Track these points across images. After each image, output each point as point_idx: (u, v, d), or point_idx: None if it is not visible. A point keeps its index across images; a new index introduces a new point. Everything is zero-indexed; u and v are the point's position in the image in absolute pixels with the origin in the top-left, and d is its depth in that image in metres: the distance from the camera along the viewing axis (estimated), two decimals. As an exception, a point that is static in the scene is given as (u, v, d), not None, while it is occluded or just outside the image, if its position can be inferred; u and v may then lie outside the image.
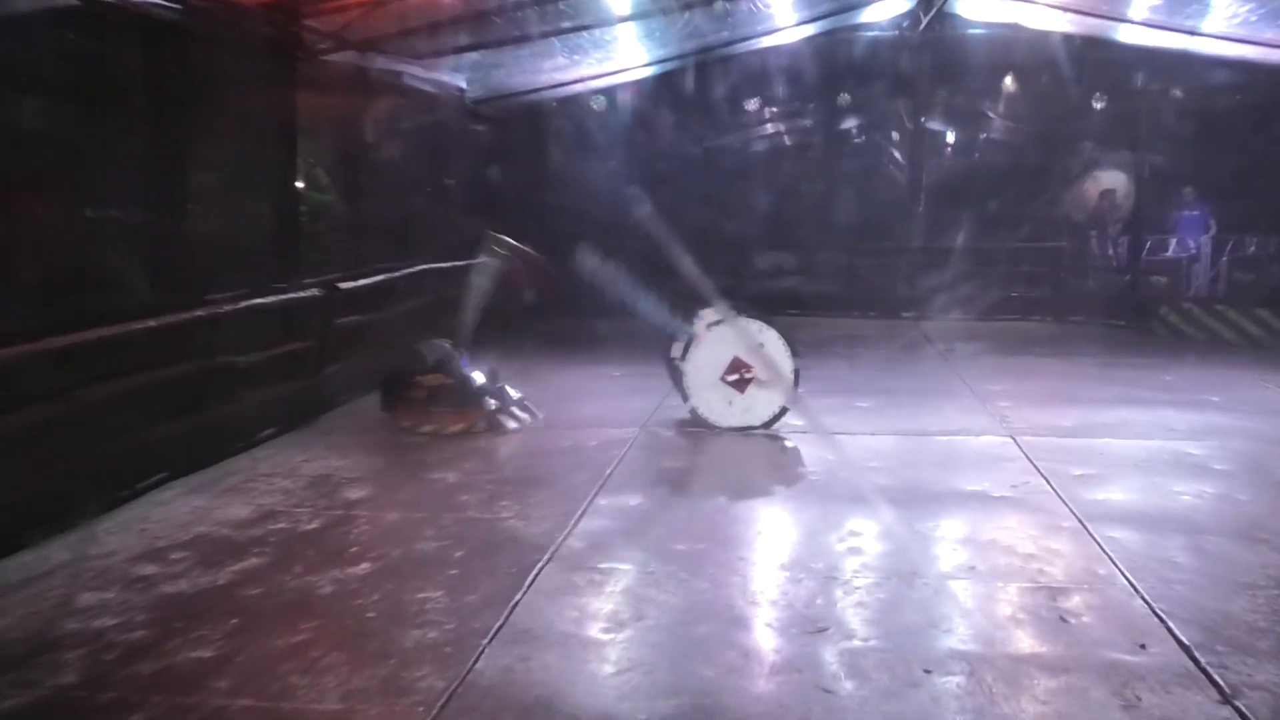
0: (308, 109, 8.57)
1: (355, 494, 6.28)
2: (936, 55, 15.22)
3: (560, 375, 9.93)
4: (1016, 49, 14.72)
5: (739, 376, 7.64)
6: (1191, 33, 11.15)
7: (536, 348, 11.63)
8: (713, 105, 15.71)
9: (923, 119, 15.72)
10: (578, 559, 5.12)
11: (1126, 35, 12.73)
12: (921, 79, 15.46)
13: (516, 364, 9.13)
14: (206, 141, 7.20)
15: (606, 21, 10.73)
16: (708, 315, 8.02)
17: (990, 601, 4.58)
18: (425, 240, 11.00)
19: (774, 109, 16.37)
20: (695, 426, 7.80)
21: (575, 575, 4.89)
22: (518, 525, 5.67)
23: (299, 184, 8.75)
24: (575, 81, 13.32)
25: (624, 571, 4.99)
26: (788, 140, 16.61)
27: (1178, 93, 14.74)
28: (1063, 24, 13.29)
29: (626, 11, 10.56)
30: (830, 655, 4.01)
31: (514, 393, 8.23)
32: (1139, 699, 3.63)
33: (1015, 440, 7.44)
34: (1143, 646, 4.04)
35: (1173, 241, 14.73)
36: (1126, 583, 4.71)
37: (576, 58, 11.80)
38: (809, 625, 4.31)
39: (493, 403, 7.94)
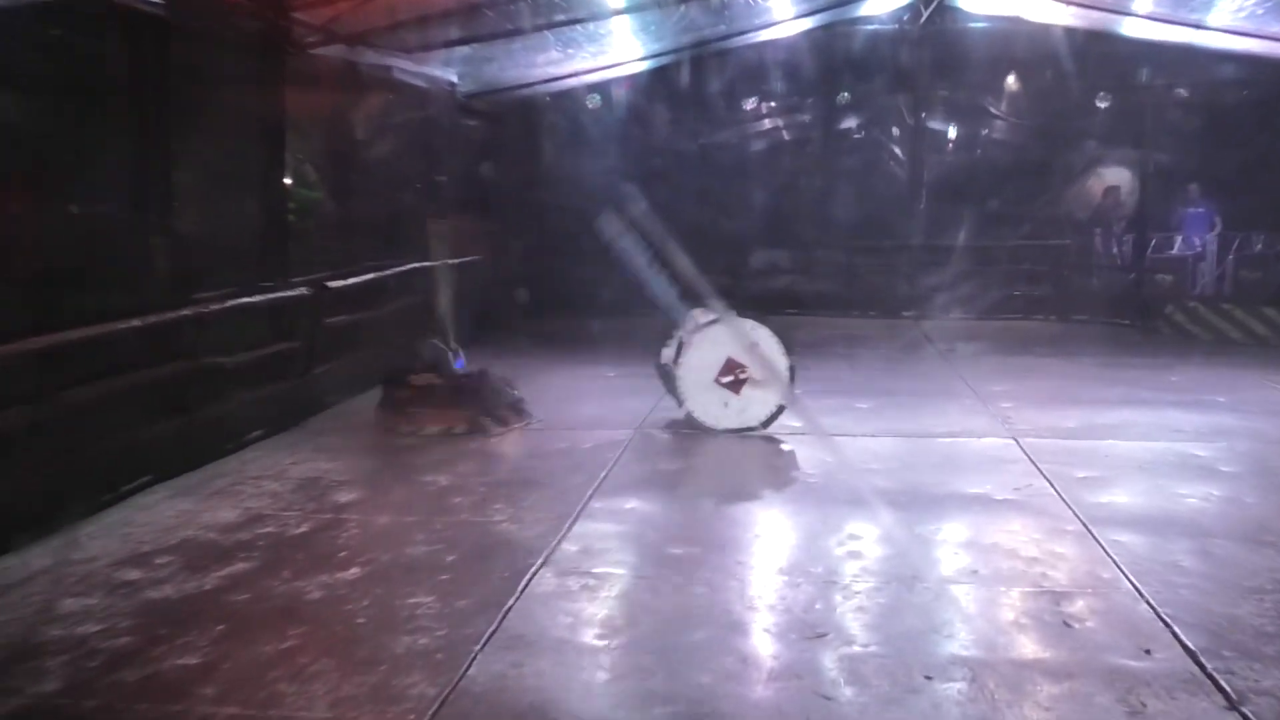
0: (296, 104, 8.56)
1: (345, 497, 6.28)
2: (937, 49, 15.22)
3: (554, 375, 9.92)
4: (1018, 43, 14.73)
5: (733, 378, 7.65)
6: (1197, 26, 11.16)
7: (531, 347, 11.64)
8: (709, 101, 15.71)
9: (923, 115, 15.72)
10: (572, 563, 5.12)
11: (1130, 29, 12.76)
12: (922, 74, 15.46)
13: (510, 363, 9.12)
14: (192, 137, 7.19)
15: (601, 14, 10.73)
16: (696, 317, 8.03)
17: (992, 606, 4.58)
18: (416, 238, 10.99)
19: (772, 105, 16.36)
20: (691, 428, 7.80)
21: (569, 580, 4.89)
22: (511, 529, 5.67)
23: (287, 181, 8.74)
24: (569, 76, 13.31)
25: (619, 576, 4.99)
26: (786, 136, 16.60)
27: (1183, 88, 14.77)
28: (1066, 17, 13.32)
29: (621, 4, 10.55)
30: (829, 661, 4.01)
31: (515, 392, 8.23)
32: (1144, 705, 3.63)
33: (1018, 442, 7.45)
34: (1148, 652, 4.05)
35: (1178, 239, 14.74)
36: (1131, 587, 4.72)
37: (570, 51, 11.79)
38: (808, 630, 4.31)
39: (478, 405, 7.93)
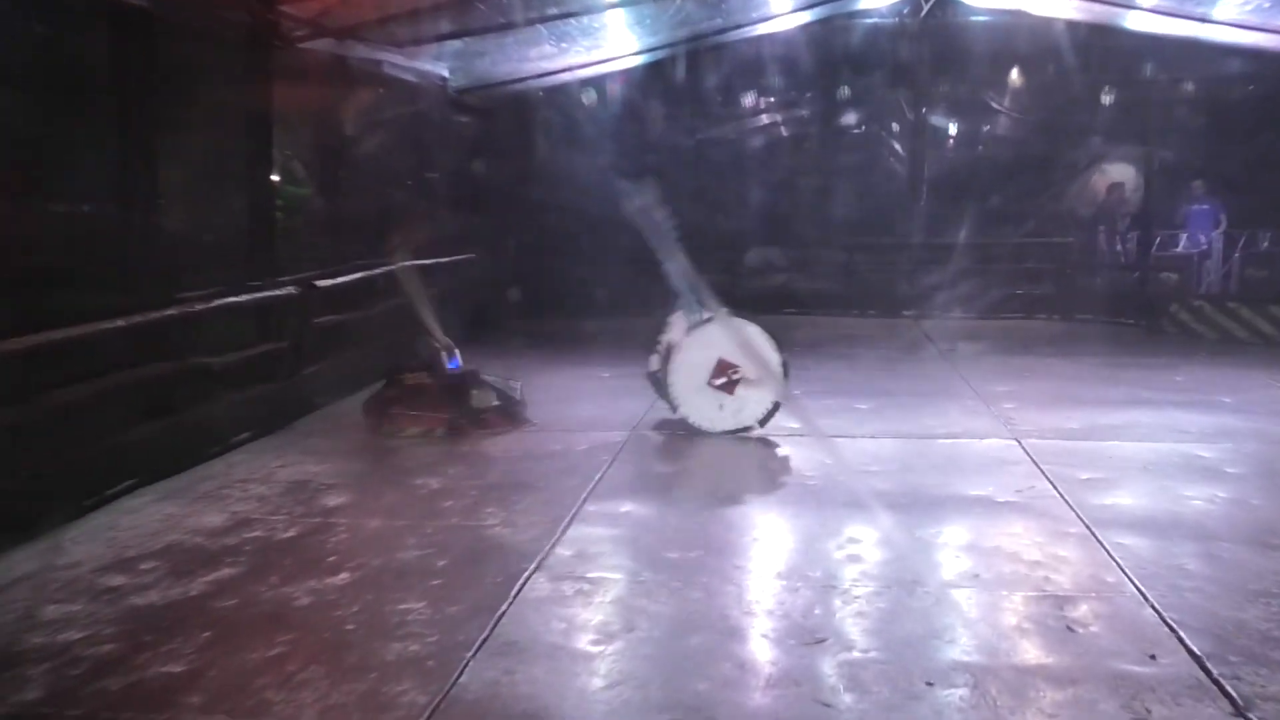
0: (284, 99, 8.54)
1: (334, 500, 6.27)
2: (938, 43, 15.24)
3: (548, 376, 9.92)
4: (1021, 37, 14.75)
5: (726, 379, 7.65)
6: (1203, 20, 11.20)
7: (524, 347, 11.65)
8: (705, 96, 15.74)
9: (924, 110, 15.73)
10: (566, 568, 5.11)
11: (1135, 22, 12.79)
12: (922, 68, 15.47)
13: (503, 364, 9.12)
14: (177, 133, 7.17)
15: (595, 8, 10.74)
16: (679, 321, 8.03)
17: (994, 611, 4.59)
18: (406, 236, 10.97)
19: (769, 100, 16.37)
20: (687, 429, 7.80)
21: (563, 585, 4.89)
22: (504, 533, 5.66)
23: (274, 177, 8.72)
24: (562, 71, 13.31)
25: (614, 581, 4.99)
26: (784, 132, 16.60)
27: (1188, 83, 14.80)
28: (1069, 10, 13.34)
29: (615, -3, 10.57)
30: (829, 667, 4.01)
31: (515, 394, 8.22)
32: (1149, 711, 3.64)
33: (1020, 443, 7.46)
34: (1153, 657, 4.05)
35: (1183, 237, 14.78)
36: (1136, 591, 4.73)
37: (564, 46, 11.80)
38: (806, 636, 4.31)
39: (459, 408, 7.92)
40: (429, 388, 8.05)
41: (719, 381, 7.65)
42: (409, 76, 11.20)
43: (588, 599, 4.73)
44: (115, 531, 5.62)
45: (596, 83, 14.83)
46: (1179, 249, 14.76)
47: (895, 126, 16.19)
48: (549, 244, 14.57)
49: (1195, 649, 4.09)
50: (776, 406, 7.67)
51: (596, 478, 6.67)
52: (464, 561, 5.19)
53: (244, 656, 4.11)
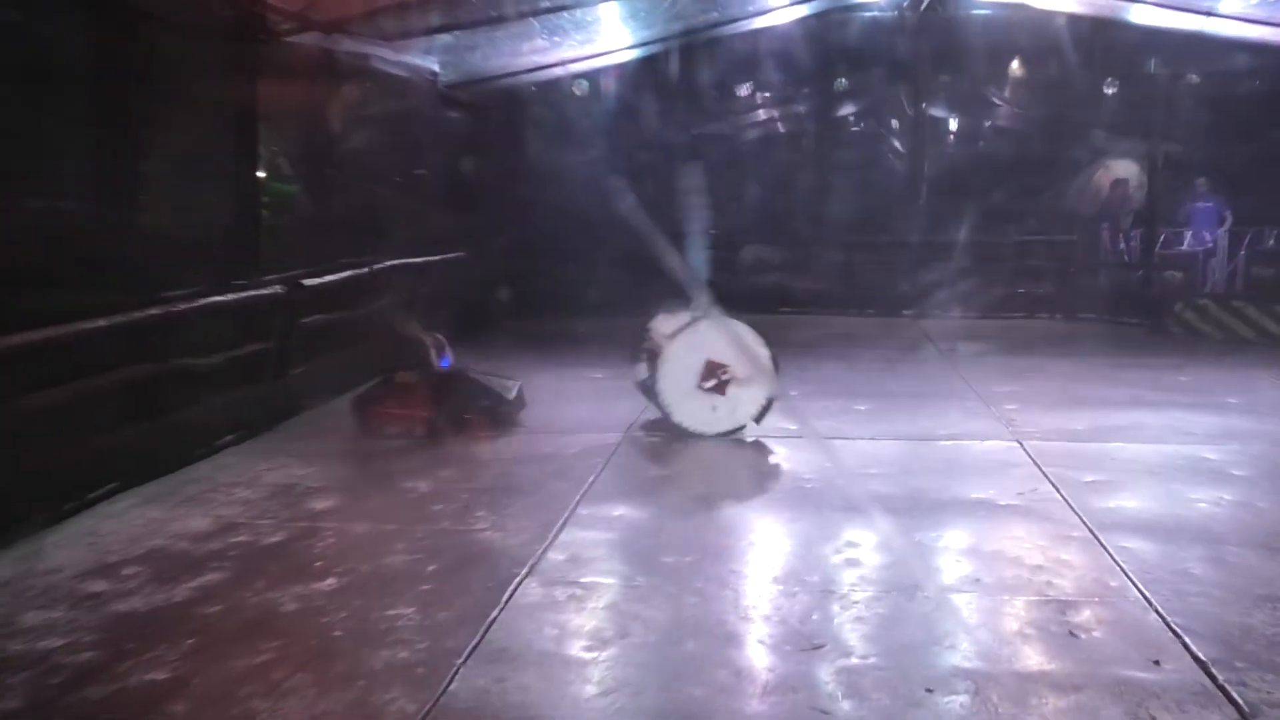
0: (269, 94, 8.53)
1: (321, 504, 6.26)
2: (938, 37, 15.27)
3: (539, 377, 9.89)
4: (1023, 31, 14.79)
5: (716, 380, 7.65)
6: (1208, 13, 11.23)
7: (515, 348, 11.63)
8: (701, 91, 15.74)
9: (924, 106, 15.77)
10: (558, 573, 5.11)
11: (1139, 16, 12.82)
12: (922, 63, 15.51)
13: (493, 365, 9.09)
14: (160, 128, 7.16)
15: (588, 1, 10.73)
16: (660, 325, 8.04)
17: (996, 616, 4.59)
18: (396, 234, 10.97)
19: (766, 95, 16.39)
20: (682, 432, 7.80)
21: (556, 590, 4.88)
22: (494, 537, 5.66)
23: (260, 174, 8.71)
24: (555, 65, 13.32)
25: (607, 586, 4.98)
26: (781, 128, 16.63)
27: (1193, 78, 14.83)
28: (1071, 3, 13.40)
29: (609, -10, 10.58)
30: (827, 674, 4.01)
31: (509, 395, 8.21)
32: (1153, 718, 3.64)
33: (1022, 445, 7.46)
34: (1157, 663, 4.06)
35: (1188, 234, 14.82)
36: (1140, 595, 4.73)
37: (556, 39, 11.81)
38: (804, 642, 4.31)
39: (438, 408, 7.92)
40: (415, 386, 8.05)
41: (709, 384, 7.65)
42: (398, 71, 11.19)
43: (580, 604, 4.72)
44: (97, 536, 5.60)
45: (590, 77, 14.84)
46: (1183, 247, 14.79)
47: (894, 123, 16.24)
48: (540, 242, 14.56)
49: (1200, 655, 4.09)
50: (770, 402, 7.68)
51: (589, 480, 6.66)
52: (454, 567, 5.18)
53: (229, 664, 4.10)
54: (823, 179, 15.83)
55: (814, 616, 4.57)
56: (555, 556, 5.32)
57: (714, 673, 4.03)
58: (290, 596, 4.79)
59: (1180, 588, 4.81)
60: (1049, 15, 14.02)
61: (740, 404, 7.68)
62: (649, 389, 7.93)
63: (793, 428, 7.77)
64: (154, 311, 6.82)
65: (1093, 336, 13.27)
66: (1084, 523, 5.74)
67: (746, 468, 7.25)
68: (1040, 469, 6.84)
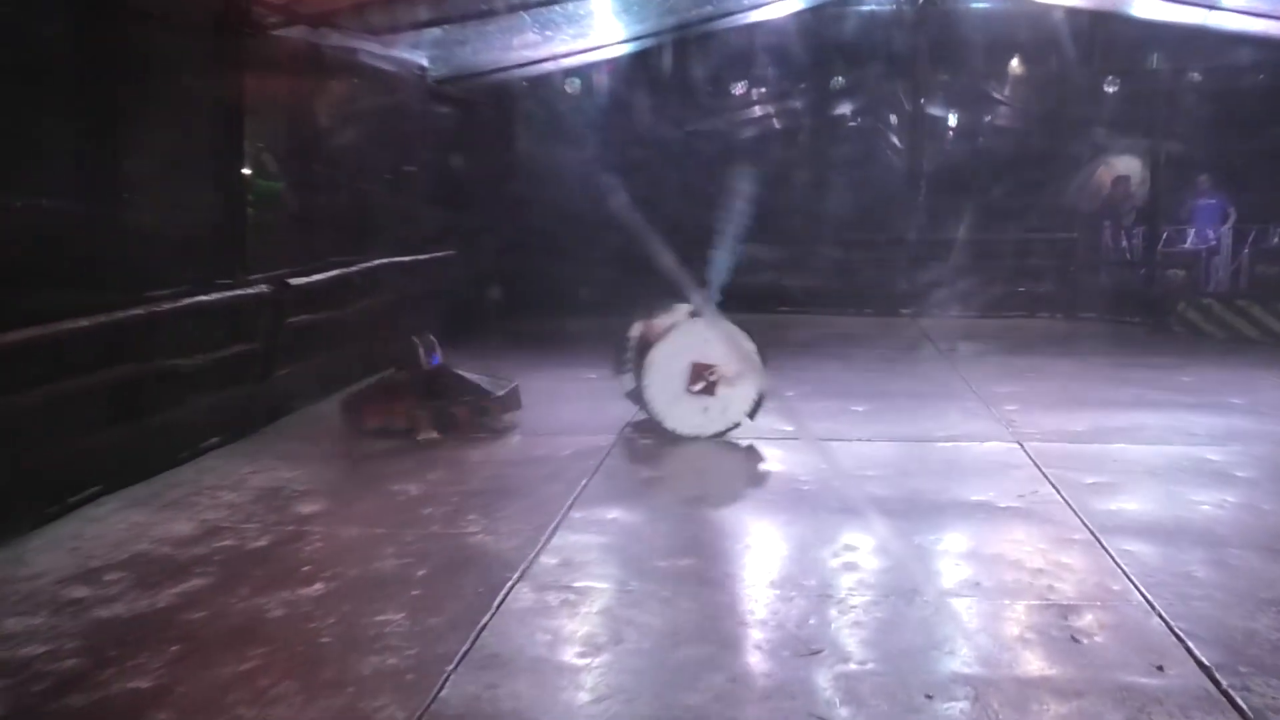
0: (255, 89, 8.51)
1: (308, 508, 6.25)
2: (937, 32, 15.28)
3: (531, 377, 9.87)
4: (1023, 26, 14.81)
5: (704, 382, 7.65)
6: (1210, 6, 11.25)
7: (506, 348, 11.63)
8: (695, 86, 15.72)
9: (922, 101, 15.77)
10: (551, 577, 5.11)
11: (1140, 9, 12.87)
12: (921, 58, 15.51)
13: (483, 365, 9.10)
14: (144, 124, 7.14)
15: (580, -7, 10.74)
16: (639, 329, 8.06)
17: (996, 620, 4.59)
18: (384, 232, 10.96)
19: (761, 91, 16.39)
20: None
21: (548, 595, 4.88)
22: (486, 541, 5.65)
23: (246, 171, 8.69)
24: (547, 60, 13.31)
25: (601, 590, 4.98)
26: (776, 124, 16.63)
27: (1195, 73, 14.85)
28: (1072, -3, 13.41)
29: (602, -17, 10.58)
30: (824, 679, 4.01)
31: (499, 391, 8.22)
32: (1156, 724, 3.65)
33: (1022, 446, 7.48)
34: (1160, 668, 4.06)
35: (1190, 232, 14.84)
36: (1142, 599, 4.74)
37: (548, 34, 11.79)
38: (801, 647, 4.31)
39: (420, 401, 7.94)
40: (400, 384, 8.09)
41: (697, 387, 7.65)
42: (386, 66, 11.18)
43: (573, 609, 4.72)
44: (79, 541, 5.59)
45: (582, 73, 14.83)
46: (1186, 245, 14.81)
47: (892, 118, 16.23)
48: (532, 240, 14.55)
49: (1204, 660, 4.10)
50: (762, 397, 7.68)
51: (582, 483, 6.66)
52: (444, 571, 5.18)
53: (214, 671, 4.09)
54: (820, 176, 15.79)
55: (811, 621, 4.57)
56: (548, 560, 5.32)
57: (710, 679, 4.03)
58: (277, 602, 4.79)
59: (1183, 591, 4.82)
60: (1049, 9, 14.04)
61: (732, 403, 7.69)
62: (639, 398, 7.93)
63: (789, 429, 7.77)
64: (138, 311, 6.80)
65: (1094, 336, 13.29)
66: (1085, 525, 5.75)
67: (742, 470, 7.25)
68: (1041, 470, 6.85)
